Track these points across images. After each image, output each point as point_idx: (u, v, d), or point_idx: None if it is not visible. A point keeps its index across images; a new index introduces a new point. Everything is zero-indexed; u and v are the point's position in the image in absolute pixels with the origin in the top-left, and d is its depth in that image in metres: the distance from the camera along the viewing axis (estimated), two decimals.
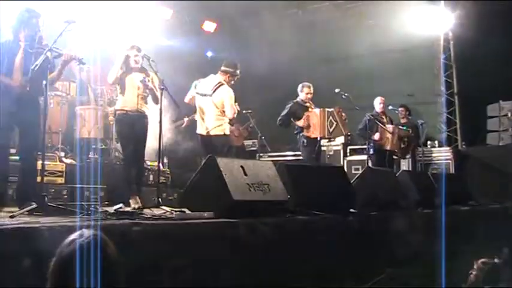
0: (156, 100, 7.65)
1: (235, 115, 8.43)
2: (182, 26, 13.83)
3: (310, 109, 9.87)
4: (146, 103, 7.73)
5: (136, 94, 7.60)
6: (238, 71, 8.47)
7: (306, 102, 10.00)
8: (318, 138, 9.79)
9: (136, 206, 7.03)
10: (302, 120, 9.68)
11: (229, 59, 8.87)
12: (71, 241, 2.52)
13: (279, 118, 9.93)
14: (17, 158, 6.75)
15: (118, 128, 7.74)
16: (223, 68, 8.46)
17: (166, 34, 13.60)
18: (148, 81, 7.55)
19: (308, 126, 9.67)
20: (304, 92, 10.04)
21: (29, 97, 6.45)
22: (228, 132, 8.41)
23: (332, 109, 9.70)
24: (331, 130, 9.64)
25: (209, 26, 14.17)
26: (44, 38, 6.55)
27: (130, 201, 7.32)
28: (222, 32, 14.02)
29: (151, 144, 9.27)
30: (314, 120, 9.67)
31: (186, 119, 11.18)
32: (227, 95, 8.26)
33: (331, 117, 9.63)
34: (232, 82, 8.43)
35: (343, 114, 9.84)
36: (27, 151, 6.57)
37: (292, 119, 9.88)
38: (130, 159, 7.65)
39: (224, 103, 8.22)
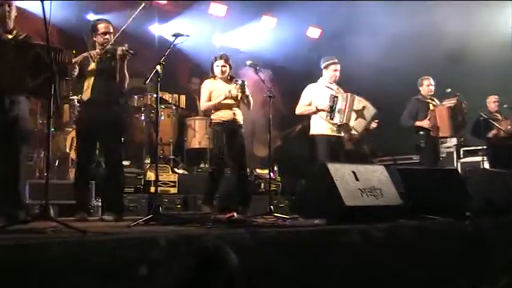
0: (249, 106, 7.72)
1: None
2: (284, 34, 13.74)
3: (432, 105, 9.48)
4: (240, 112, 7.76)
5: (230, 103, 7.64)
6: (335, 59, 8.34)
7: (427, 98, 9.64)
8: (448, 137, 9.44)
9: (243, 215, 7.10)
10: (427, 121, 9.30)
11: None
12: (195, 251, 2.56)
13: (402, 119, 9.59)
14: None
15: (215, 138, 7.79)
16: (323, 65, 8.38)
17: (270, 43, 13.62)
18: (244, 86, 7.58)
19: (434, 126, 9.29)
20: (424, 85, 9.67)
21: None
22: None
23: (453, 104, 9.27)
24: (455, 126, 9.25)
25: (313, 33, 14.08)
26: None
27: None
28: (326, 36, 13.88)
29: (260, 152, 9.31)
30: (441, 119, 9.30)
31: (298, 127, 11.24)
32: None
33: (454, 112, 9.22)
34: (338, 73, 8.28)
35: (464, 104, 9.38)
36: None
37: (415, 118, 9.49)
38: (223, 168, 7.69)
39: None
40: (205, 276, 2.46)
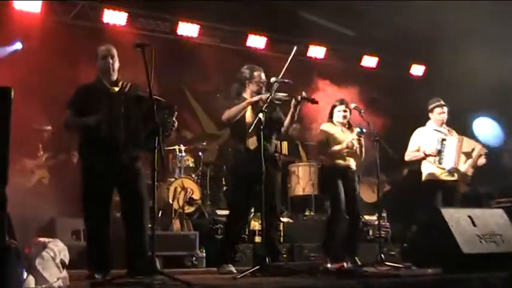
0: (362, 154, 7.43)
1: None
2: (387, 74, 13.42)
3: None
4: (352, 157, 7.50)
5: (345, 148, 7.39)
6: (441, 101, 8.01)
7: None
8: None
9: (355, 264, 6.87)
10: None
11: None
12: None
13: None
14: None
15: (328, 183, 7.54)
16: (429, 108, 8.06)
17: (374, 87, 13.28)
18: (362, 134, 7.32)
19: None
20: None
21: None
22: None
23: None
24: None
25: (417, 70, 13.74)
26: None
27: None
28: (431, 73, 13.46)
29: (367, 197, 9.01)
30: None
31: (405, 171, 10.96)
32: None
33: None
34: (445, 115, 7.96)
35: None
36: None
37: None
38: (340, 215, 7.42)
39: None
40: None
